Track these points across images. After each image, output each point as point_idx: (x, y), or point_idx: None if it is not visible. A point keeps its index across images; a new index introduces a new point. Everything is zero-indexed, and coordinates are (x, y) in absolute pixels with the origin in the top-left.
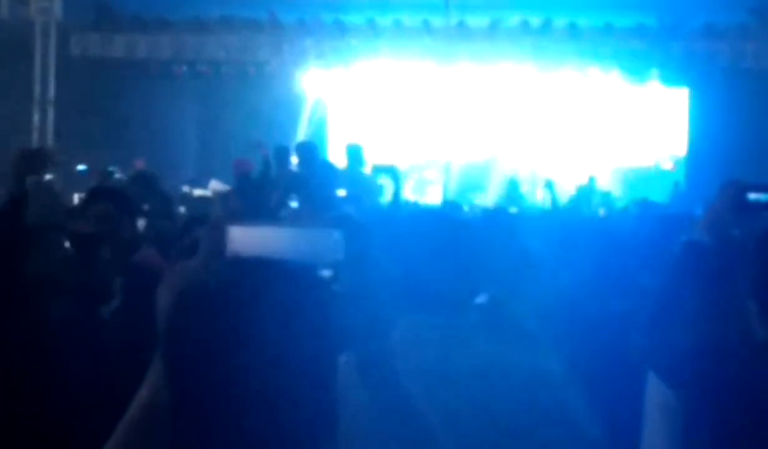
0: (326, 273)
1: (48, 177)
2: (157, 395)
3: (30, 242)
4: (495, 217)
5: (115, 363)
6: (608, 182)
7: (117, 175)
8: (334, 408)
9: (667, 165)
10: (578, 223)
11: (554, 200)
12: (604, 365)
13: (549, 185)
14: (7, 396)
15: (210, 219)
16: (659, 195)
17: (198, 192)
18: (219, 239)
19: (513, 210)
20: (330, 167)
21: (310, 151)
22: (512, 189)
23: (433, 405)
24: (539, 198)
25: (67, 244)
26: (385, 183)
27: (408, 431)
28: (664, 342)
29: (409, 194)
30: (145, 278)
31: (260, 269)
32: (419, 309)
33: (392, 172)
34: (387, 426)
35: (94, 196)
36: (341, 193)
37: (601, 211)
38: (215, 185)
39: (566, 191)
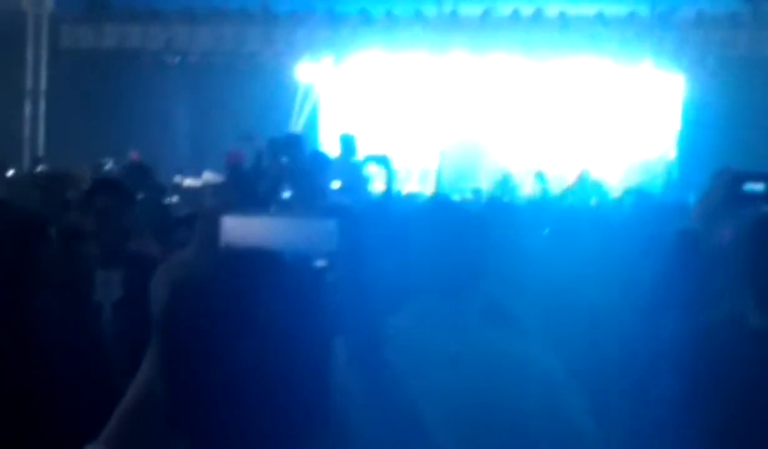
0: (320, 262)
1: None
2: (152, 384)
3: (24, 236)
4: (487, 206)
5: (118, 352)
6: (611, 174)
7: (108, 167)
8: (328, 397)
9: (671, 155)
10: (568, 213)
11: (545, 191)
12: (598, 354)
13: (540, 176)
14: (3, 392)
15: (203, 210)
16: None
17: (189, 182)
18: (212, 229)
19: (506, 200)
20: (321, 156)
21: (296, 142)
22: (506, 182)
23: (430, 393)
24: (531, 189)
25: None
26: (376, 172)
27: (401, 419)
28: (658, 331)
29: (414, 186)
30: (143, 266)
31: (254, 259)
32: (414, 299)
33: (384, 162)
34: (380, 414)
35: (96, 188)
36: (335, 184)
37: (593, 201)
38: (208, 176)
39: (559, 182)
